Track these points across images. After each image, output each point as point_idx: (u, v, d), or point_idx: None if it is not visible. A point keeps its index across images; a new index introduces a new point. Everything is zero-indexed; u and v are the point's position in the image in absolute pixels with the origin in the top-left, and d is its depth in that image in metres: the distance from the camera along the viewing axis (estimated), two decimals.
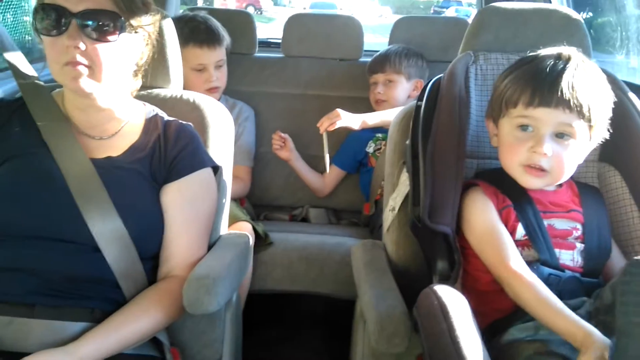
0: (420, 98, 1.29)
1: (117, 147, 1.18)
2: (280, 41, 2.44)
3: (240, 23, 2.33)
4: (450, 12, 16.27)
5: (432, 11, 21.24)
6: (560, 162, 1.13)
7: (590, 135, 1.14)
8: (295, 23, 2.37)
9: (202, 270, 1.13)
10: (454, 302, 0.94)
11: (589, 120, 1.11)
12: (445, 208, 1.13)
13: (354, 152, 2.16)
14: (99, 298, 1.10)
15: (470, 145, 1.29)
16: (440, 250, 1.13)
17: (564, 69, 1.10)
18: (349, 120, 1.97)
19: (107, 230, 1.09)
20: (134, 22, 1.12)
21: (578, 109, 1.09)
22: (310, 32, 2.34)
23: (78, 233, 1.08)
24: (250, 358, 1.50)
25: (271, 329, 2.03)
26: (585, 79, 1.10)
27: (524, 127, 1.13)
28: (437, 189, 1.15)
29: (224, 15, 2.21)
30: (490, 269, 1.11)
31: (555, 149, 1.12)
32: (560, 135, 1.12)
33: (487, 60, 1.35)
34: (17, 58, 1.25)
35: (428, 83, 1.32)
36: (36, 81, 1.23)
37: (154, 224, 1.16)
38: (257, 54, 2.40)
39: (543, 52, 1.16)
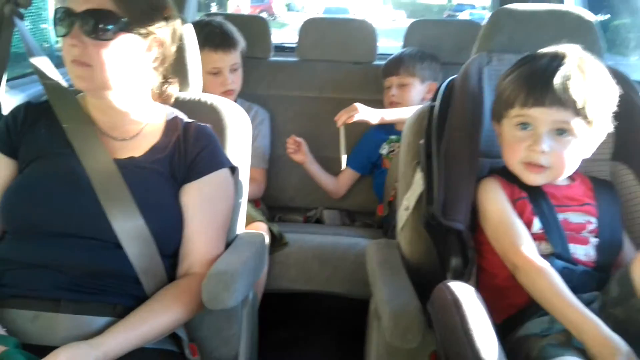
0: (434, 99, 1.31)
1: (138, 148, 1.22)
2: (294, 45, 2.48)
3: (255, 28, 2.37)
4: (464, 16, 16.22)
5: (445, 15, 21.22)
6: (560, 158, 1.15)
7: (590, 130, 1.15)
8: (310, 27, 2.41)
9: (220, 266, 1.16)
10: (467, 296, 0.96)
11: (586, 117, 1.13)
12: (459, 205, 1.15)
13: (367, 154, 2.18)
14: (121, 294, 1.13)
15: (484, 144, 1.30)
16: (453, 247, 1.15)
17: (557, 68, 1.12)
18: (367, 113, 1.97)
19: (129, 228, 1.12)
20: (139, 24, 1.13)
21: (573, 106, 1.11)
22: (324, 36, 2.38)
23: (101, 230, 1.11)
24: (265, 357, 1.53)
25: (285, 328, 2.05)
26: (579, 76, 1.12)
27: (523, 126, 1.16)
28: (451, 187, 1.17)
29: (240, 21, 2.25)
30: (504, 258, 1.13)
31: (554, 146, 1.14)
32: (559, 132, 1.14)
33: (501, 61, 1.36)
34: (42, 63, 1.29)
35: (442, 84, 1.34)
36: (61, 85, 1.27)
37: (173, 222, 1.19)
38: (272, 58, 2.43)
39: (541, 51, 1.19)
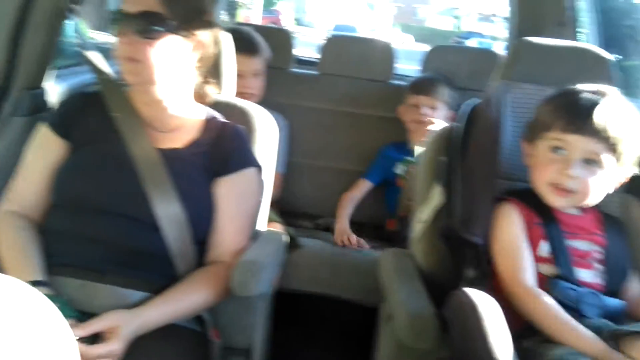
0: (458, 120, 1.40)
1: (179, 140, 1.31)
2: (313, 59, 2.57)
3: (279, 39, 2.46)
4: (471, 43, 16.45)
5: (452, 41, 21.49)
6: (586, 186, 1.23)
7: (617, 167, 1.23)
8: (333, 43, 2.52)
9: (250, 256, 1.25)
10: (483, 301, 1.03)
11: (618, 153, 1.21)
12: (478, 221, 1.23)
13: (383, 168, 2.26)
14: (156, 272, 1.21)
15: (502, 167, 1.39)
16: (469, 259, 1.23)
17: (599, 103, 1.21)
18: None
19: (168, 213, 1.21)
20: (184, 26, 1.22)
21: (608, 140, 1.20)
22: (346, 52, 2.47)
23: (142, 212, 1.20)
24: (273, 352, 1.58)
25: (292, 327, 2.10)
26: (618, 115, 1.21)
27: (556, 150, 1.24)
28: (472, 203, 1.25)
29: (265, 32, 2.34)
30: (503, 282, 1.20)
31: (583, 174, 1.22)
32: (588, 162, 1.22)
33: (521, 90, 1.44)
34: (96, 57, 1.39)
35: (465, 106, 1.43)
36: (112, 78, 1.36)
37: (206, 212, 1.28)
38: (293, 70, 2.53)
39: (583, 86, 1.27)
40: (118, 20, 1.19)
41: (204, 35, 1.27)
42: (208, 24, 1.28)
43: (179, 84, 1.28)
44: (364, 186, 2.29)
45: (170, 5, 1.19)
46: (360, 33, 19.57)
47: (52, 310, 0.51)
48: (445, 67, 2.35)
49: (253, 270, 1.20)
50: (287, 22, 24.88)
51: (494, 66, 2.32)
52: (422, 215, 1.42)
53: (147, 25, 1.17)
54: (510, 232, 1.25)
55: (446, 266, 1.32)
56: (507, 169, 1.39)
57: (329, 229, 2.31)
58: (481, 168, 1.29)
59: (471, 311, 1.01)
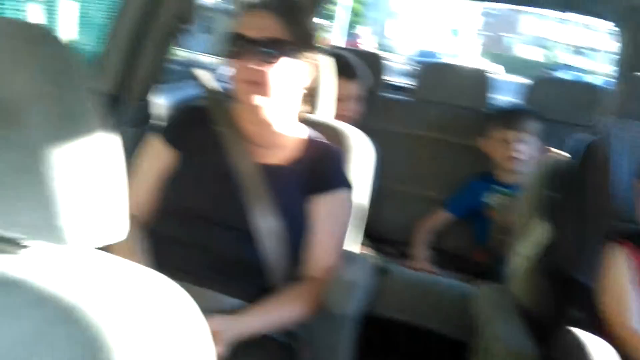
0: (572, 156, 1.36)
1: (280, 157, 1.34)
2: (401, 84, 2.59)
3: (369, 62, 2.47)
4: (561, 76, 16.05)
5: (541, 73, 21.05)
6: None
7: None
8: (430, 70, 2.53)
9: (347, 275, 1.27)
10: (595, 344, 0.99)
11: None
12: (588, 261, 1.19)
13: (468, 199, 2.21)
14: (251, 282, 1.25)
15: (616, 206, 1.32)
16: (576, 299, 1.18)
17: None
18: None
19: (266, 225, 1.25)
20: (302, 51, 1.26)
21: None
22: (441, 79, 2.46)
23: (243, 223, 1.25)
24: None
25: (373, 354, 2.07)
26: None
27: None
28: (581, 242, 1.21)
29: (356, 55, 2.37)
30: (610, 326, 1.15)
31: None
32: None
33: (636, 128, 1.38)
34: (206, 75, 1.46)
35: (577, 142, 1.38)
36: (220, 94, 1.43)
37: (300, 228, 1.31)
38: (383, 94, 2.53)
39: None
40: (238, 44, 1.23)
41: (314, 57, 1.31)
42: (318, 47, 1.32)
43: (289, 104, 1.33)
44: (444, 218, 2.24)
45: (292, 30, 1.24)
46: (443, 59, 19.49)
47: (190, 302, 0.54)
48: (549, 100, 2.29)
49: (351, 289, 1.22)
50: (367, 46, 25.10)
51: (596, 100, 2.25)
52: (523, 249, 1.38)
53: (270, 50, 1.22)
54: (619, 274, 1.20)
55: (547, 304, 1.27)
56: (620, 209, 1.33)
57: None
58: (594, 206, 1.25)
59: (582, 353, 0.97)
